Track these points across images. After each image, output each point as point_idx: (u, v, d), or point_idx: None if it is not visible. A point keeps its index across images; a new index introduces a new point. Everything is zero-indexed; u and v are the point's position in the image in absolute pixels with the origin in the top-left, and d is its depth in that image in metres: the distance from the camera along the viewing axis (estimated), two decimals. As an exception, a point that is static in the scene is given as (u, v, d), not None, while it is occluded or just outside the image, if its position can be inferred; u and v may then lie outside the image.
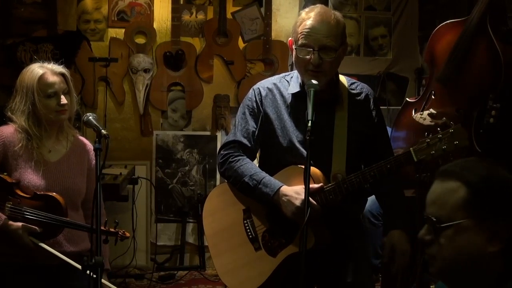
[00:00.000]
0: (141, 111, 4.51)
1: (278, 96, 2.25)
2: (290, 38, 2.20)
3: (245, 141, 2.24)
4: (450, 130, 1.96)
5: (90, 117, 2.13)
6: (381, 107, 2.42)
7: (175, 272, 4.46)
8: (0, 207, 2.30)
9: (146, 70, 4.45)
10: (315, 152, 2.08)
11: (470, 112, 3.05)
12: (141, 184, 4.41)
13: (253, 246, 2.21)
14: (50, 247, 2.31)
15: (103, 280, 1.88)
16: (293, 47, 2.15)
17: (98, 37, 4.49)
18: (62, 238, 2.39)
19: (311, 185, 2.00)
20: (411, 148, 2.02)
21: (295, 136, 2.19)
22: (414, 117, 3.22)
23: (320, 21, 2.09)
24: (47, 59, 2.51)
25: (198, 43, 4.61)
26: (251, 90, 2.30)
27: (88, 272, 1.83)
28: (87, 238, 2.45)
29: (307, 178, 1.85)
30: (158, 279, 4.34)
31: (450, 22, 3.22)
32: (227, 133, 4.66)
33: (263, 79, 2.39)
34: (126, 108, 4.56)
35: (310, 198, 1.95)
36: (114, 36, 4.50)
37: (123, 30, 4.48)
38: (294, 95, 2.23)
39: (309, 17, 2.10)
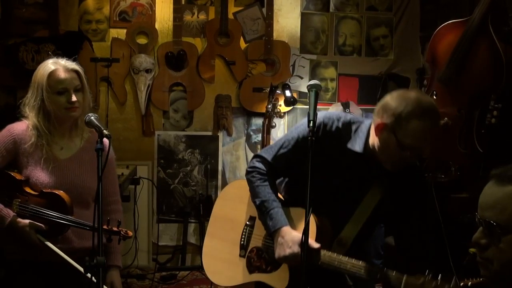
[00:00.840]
0: (143, 112, 4.51)
1: (336, 142, 2.10)
2: (380, 121, 1.98)
3: (277, 165, 2.18)
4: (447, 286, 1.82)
5: (92, 117, 2.12)
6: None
7: (177, 272, 4.47)
8: (8, 204, 2.31)
9: (147, 71, 4.46)
10: (335, 206, 2.10)
11: (472, 112, 3.05)
12: (142, 184, 4.42)
13: (239, 251, 2.26)
14: (60, 242, 2.30)
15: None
16: (389, 134, 1.97)
17: (99, 37, 4.50)
18: (71, 234, 2.37)
19: (310, 241, 1.96)
20: (405, 276, 1.90)
21: (328, 189, 2.09)
22: (415, 117, 3.22)
23: (435, 124, 1.96)
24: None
25: (199, 44, 4.61)
26: (318, 121, 2.04)
27: (89, 274, 1.82)
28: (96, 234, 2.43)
29: (307, 191, 1.83)
30: (159, 279, 4.34)
31: (451, 22, 3.22)
32: (228, 134, 4.66)
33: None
34: (128, 109, 4.57)
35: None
36: (116, 36, 4.50)
37: (124, 31, 4.49)
38: (354, 153, 2.08)
39: (421, 116, 1.92)
